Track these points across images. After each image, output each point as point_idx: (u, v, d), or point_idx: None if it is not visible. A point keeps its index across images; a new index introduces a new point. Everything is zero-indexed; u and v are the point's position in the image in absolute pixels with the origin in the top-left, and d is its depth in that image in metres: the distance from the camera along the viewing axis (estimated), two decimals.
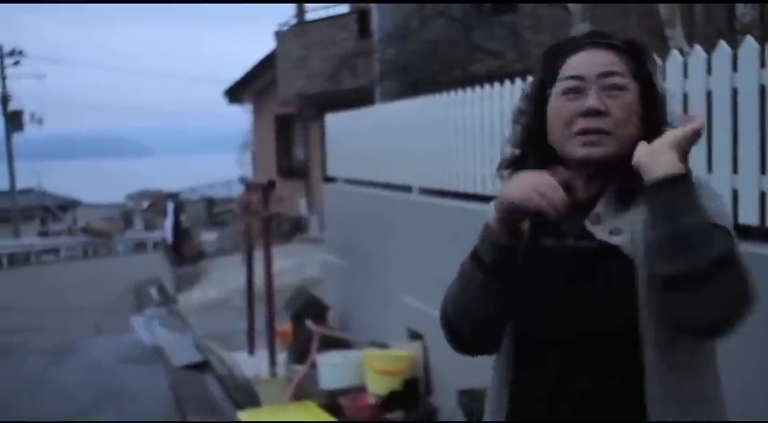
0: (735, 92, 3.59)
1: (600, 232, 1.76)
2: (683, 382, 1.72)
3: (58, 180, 54.54)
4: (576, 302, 1.74)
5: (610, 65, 1.78)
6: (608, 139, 1.75)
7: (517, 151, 1.89)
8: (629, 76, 1.78)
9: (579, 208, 1.78)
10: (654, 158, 1.63)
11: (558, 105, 1.79)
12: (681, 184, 1.60)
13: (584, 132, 1.75)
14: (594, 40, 1.83)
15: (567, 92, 1.78)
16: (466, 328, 1.82)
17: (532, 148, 1.84)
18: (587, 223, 1.77)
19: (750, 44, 3.52)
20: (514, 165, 1.88)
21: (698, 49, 3.82)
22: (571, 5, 7.57)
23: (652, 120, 1.78)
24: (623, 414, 1.71)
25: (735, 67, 3.58)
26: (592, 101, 1.75)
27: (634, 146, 1.70)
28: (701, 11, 6.58)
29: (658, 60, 4.05)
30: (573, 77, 1.78)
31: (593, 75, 1.77)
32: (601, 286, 1.73)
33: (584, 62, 1.79)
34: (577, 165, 1.78)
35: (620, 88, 1.77)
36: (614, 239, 1.74)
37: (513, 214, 1.73)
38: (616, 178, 1.77)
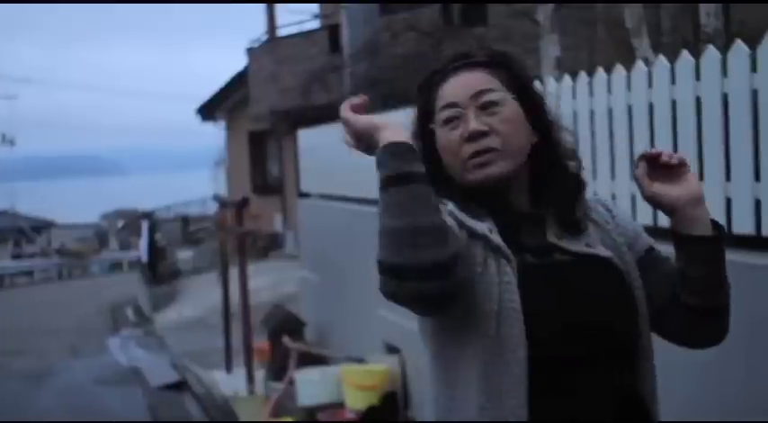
0: (698, 100, 3.64)
1: (574, 245, 1.76)
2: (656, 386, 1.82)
3: (32, 201, 54.15)
4: (592, 317, 1.70)
5: (480, 84, 1.76)
6: (499, 155, 1.73)
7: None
8: (503, 89, 1.77)
9: (525, 224, 1.77)
10: (704, 211, 1.77)
11: (442, 137, 1.77)
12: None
13: (473, 156, 1.73)
14: (460, 62, 1.81)
15: (447, 122, 1.76)
16: (388, 255, 1.58)
17: (438, 183, 1.72)
18: (552, 238, 1.77)
19: (712, 54, 3.57)
20: None
21: (662, 58, 3.88)
22: (540, 17, 7.65)
23: (539, 124, 1.79)
24: None
25: (698, 77, 3.64)
26: (472, 124, 1.73)
27: (528, 155, 1.76)
28: (667, 21, 6.67)
29: (623, 70, 4.10)
30: (448, 106, 1.77)
31: (466, 98, 1.76)
32: (608, 300, 1.73)
33: (455, 88, 1.78)
34: (481, 190, 1.75)
35: (497, 104, 1.75)
36: (604, 252, 1.76)
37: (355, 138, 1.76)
38: (550, 193, 1.79)
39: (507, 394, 1.65)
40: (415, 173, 1.59)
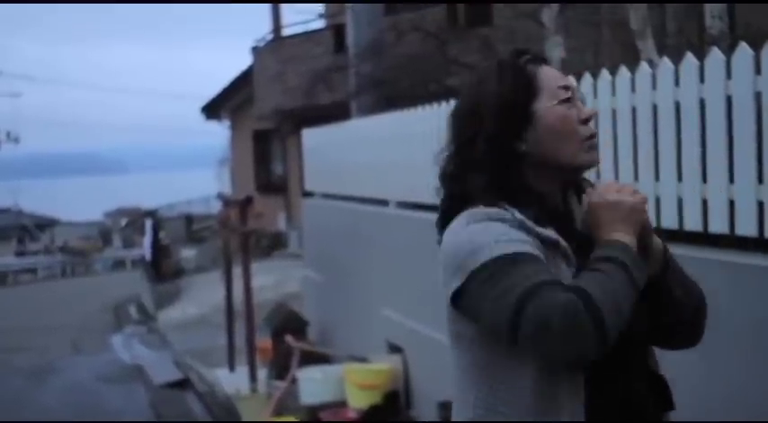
0: (702, 102, 3.65)
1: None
2: None
3: (35, 199, 54.19)
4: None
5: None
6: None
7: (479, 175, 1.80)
8: None
9: (570, 224, 1.84)
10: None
11: (561, 114, 1.80)
12: None
13: (591, 137, 1.83)
14: (533, 55, 1.88)
15: (564, 101, 1.81)
16: (613, 322, 1.61)
17: (505, 159, 1.78)
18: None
19: (716, 56, 3.58)
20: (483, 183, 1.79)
21: (666, 60, 3.88)
22: (545, 19, 7.65)
23: None
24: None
25: (702, 79, 3.64)
26: (587, 109, 1.84)
27: None
28: (672, 23, 6.66)
29: (627, 72, 4.11)
30: (566, 87, 1.83)
31: (574, 85, 1.87)
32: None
33: (558, 74, 1.86)
34: (575, 171, 1.84)
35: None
36: None
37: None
38: (573, 187, 1.89)
39: (568, 399, 1.71)
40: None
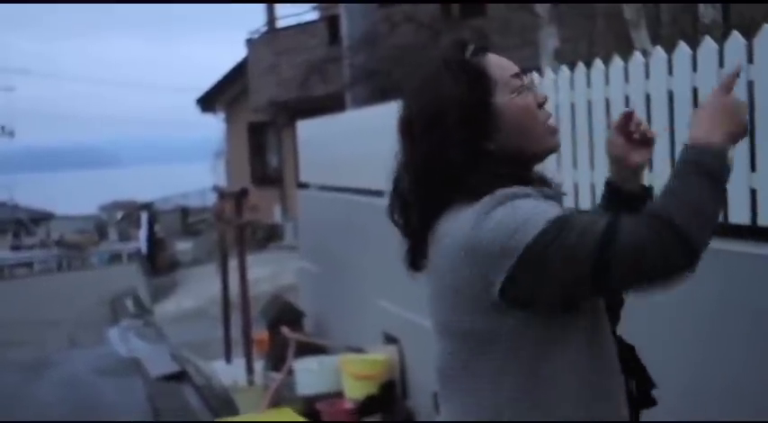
0: (695, 91, 3.65)
1: None
2: None
3: (31, 193, 54.13)
4: None
5: None
6: None
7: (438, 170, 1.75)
8: None
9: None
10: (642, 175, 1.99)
11: (522, 104, 1.76)
12: None
13: (548, 120, 1.83)
14: (479, 45, 1.82)
15: (516, 90, 1.77)
16: (704, 247, 1.62)
17: (474, 161, 1.73)
18: None
19: (709, 45, 3.59)
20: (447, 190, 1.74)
21: (659, 50, 3.89)
22: (539, 9, 7.65)
23: None
24: None
25: (695, 68, 3.65)
26: (540, 92, 1.82)
27: None
28: (666, 13, 6.66)
29: (620, 61, 4.12)
30: (517, 75, 1.80)
31: (520, 71, 1.84)
32: None
33: (504, 62, 1.81)
34: (540, 158, 1.81)
35: None
36: None
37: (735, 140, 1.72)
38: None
39: (612, 392, 1.72)
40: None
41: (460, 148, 1.71)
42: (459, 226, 1.68)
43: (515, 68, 1.80)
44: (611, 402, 1.72)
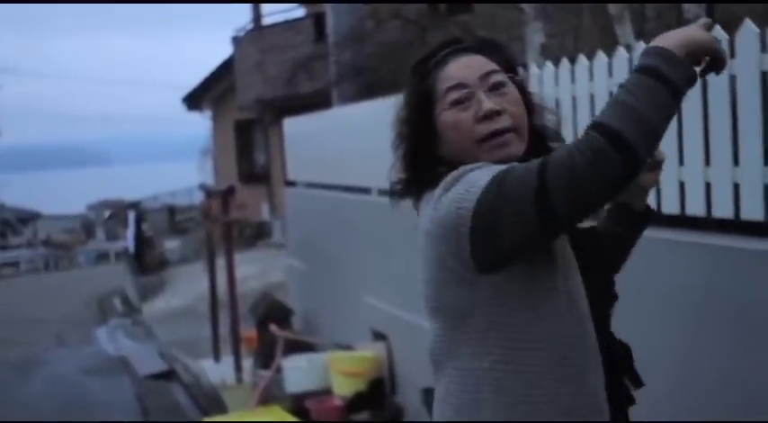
0: None
1: None
2: None
3: (17, 192, 53.88)
4: (595, 274, 1.84)
5: (486, 66, 1.81)
6: (514, 135, 1.79)
7: (403, 175, 1.89)
8: (502, 71, 1.83)
9: None
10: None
11: (451, 119, 1.78)
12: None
13: (492, 136, 1.77)
14: (455, 47, 1.85)
15: (455, 103, 1.79)
16: (644, 145, 1.55)
17: (424, 168, 1.82)
18: None
19: None
20: (407, 188, 1.88)
21: (642, 45, 3.90)
22: (525, 5, 7.66)
23: (530, 106, 1.86)
24: None
25: None
26: (486, 104, 1.77)
27: (529, 135, 1.83)
28: (651, 8, 6.69)
29: (605, 57, 4.14)
30: (456, 87, 1.78)
31: (475, 79, 1.79)
32: (598, 259, 1.92)
33: (461, 69, 1.80)
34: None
35: (504, 85, 1.81)
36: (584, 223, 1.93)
37: (691, 51, 1.62)
38: None
39: (587, 342, 1.73)
40: (684, 94, 1.61)
41: (413, 156, 1.85)
42: (426, 211, 1.76)
43: (460, 79, 1.79)
44: (586, 376, 1.73)
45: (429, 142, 1.81)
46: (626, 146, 1.52)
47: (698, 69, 1.66)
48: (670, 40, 1.61)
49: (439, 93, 1.80)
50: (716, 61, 1.67)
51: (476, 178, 1.67)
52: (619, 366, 1.83)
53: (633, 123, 1.53)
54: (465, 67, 1.80)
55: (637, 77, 1.58)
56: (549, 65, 4.62)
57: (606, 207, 2.01)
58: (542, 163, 1.57)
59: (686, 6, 5.16)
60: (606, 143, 1.52)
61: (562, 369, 1.70)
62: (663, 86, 1.56)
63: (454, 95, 1.78)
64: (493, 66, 1.81)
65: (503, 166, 1.67)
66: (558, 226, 1.61)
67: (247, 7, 18.57)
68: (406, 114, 1.85)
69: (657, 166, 1.94)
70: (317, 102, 10.80)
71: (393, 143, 1.89)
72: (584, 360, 1.72)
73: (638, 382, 1.87)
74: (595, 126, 1.56)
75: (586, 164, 1.52)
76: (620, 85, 1.61)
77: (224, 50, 32.76)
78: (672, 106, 1.58)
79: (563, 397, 1.70)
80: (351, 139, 7.79)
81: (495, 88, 1.79)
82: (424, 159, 1.82)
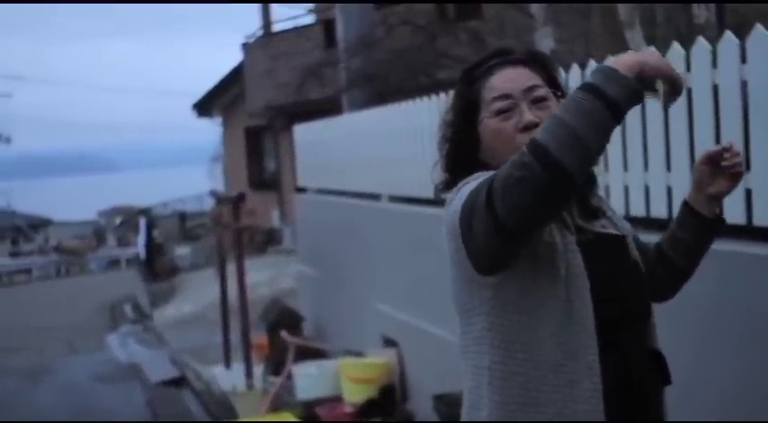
0: (689, 91, 3.66)
1: (594, 227, 1.92)
2: None
3: (29, 199, 54.08)
4: (623, 285, 1.89)
5: (530, 79, 1.90)
6: None
7: (445, 176, 2.00)
8: (545, 85, 1.91)
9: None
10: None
11: (494, 127, 1.89)
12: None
13: None
14: (505, 58, 1.93)
15: (498, 112, 1.88)
16: (571, 159, 1.58)
17: (465, 171, 1.92)
18: (578, 220, 1.91)
19: (702, 45, 3.59)
20: (447, 187, 1.97)
21: (653, 49, 3.89)
22: (534, 10, 7.66)
23: None
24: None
25: (688, 68, 3.66)
26: (528, 116, 1.86)
27: None
28: (661, 13, 6.68)
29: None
30: (501, 97, 1.88)
31: (519, 91, 1.88)
32: (629, 270, 1.93)
33: (506, 81, 1.89)
34: None
35: (546, 99, 1.90)
36: (618, 232, 1.98)
37: (643, 73, 1.66)
38: None
39: (583, 351, 1.76)
40: (624, 111, 1.64)
41: (454, 158, 1.96)
42: (445, 212, 1.89)
43: (505, 90, 1.88)
44: (580, 385, 1.77)
45: (470, 146, 1.92)
46: (551, 160, 1.58)
47: (655, 95, 1.72)
48: (621, 60, 1.66)
49: (484, 101, 1.90)
50: (673, 86, 1.71)
51: (469, 187, 1.79)
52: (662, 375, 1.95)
53: (562, 138, 1.59)
54: (510, 80, 1.90)
55: (574, 93, 1.64)
56: (560, 71, 4.61)
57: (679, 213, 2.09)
58: (494, 174, 1.68)
59: (696, 11, 5.15)
60: (531, 157, 1.59)
61: (556, 375, 1.75)
62: (598, 102, 1.61)
63: (498, 105, 1.88)
64: (537, 80, 1.90)
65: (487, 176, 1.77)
66: (508, 233, 1.66)
67: (255, 11, 18.63)
68: (450, 118, 1.98)
69: (735, 177, 1.99)
70: (327, 108, 10.80)
71: (437, 144, 2.00)
72: (580, 369, 1.77)
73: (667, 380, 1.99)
74: (530, 141, 1.64)
75: (515, 177, 1.61)
76: (567, 99, 1.67)
77: (234, 57, 32.82)
78: (607, 121, 1.62)
79: (557, 403, 1.76)
80: (361, 146, 7.80)
81: (538, 102, 1.88)
82: (464, 162, 1.93)
